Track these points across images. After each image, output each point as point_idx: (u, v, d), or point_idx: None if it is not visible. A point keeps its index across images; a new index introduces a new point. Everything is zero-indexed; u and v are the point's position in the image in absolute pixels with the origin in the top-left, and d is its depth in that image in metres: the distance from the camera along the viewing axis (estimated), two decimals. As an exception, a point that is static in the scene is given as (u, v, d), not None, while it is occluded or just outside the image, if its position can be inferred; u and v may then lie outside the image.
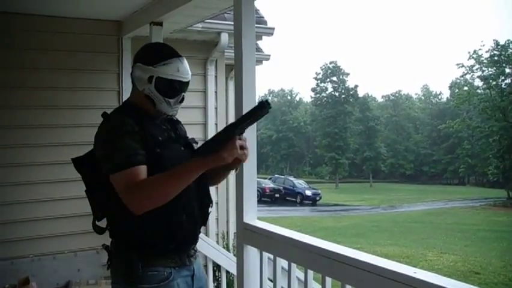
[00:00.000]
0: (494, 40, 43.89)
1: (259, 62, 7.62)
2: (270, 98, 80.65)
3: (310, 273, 2.48)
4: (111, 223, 2.20)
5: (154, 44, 2.31)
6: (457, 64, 47.36)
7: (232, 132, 1.95)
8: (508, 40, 44.02)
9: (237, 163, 2.09)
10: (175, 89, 2.17)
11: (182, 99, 2.24)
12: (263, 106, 1.90)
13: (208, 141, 2.01)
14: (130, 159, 1.98)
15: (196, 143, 2.35)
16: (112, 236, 2.23)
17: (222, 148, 1.93)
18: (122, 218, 2.10)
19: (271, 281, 2.88)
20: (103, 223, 2.24)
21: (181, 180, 1.97)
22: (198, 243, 2.32)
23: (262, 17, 6.33)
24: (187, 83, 2.21)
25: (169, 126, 2.28)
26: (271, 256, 2.77)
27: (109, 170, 2.00)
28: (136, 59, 2.23)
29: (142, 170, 1.99)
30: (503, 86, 43.38)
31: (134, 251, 2.09)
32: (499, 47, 43.56)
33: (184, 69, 2.17)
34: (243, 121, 1.95)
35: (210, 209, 2.31)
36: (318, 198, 36.84)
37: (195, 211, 2.19)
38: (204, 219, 2.29)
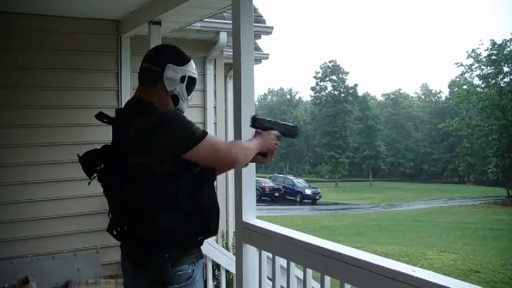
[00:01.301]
0: (490, 40, 43.78)
1: (258, 61, 7.61)
2: (269, 97, 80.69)
3: (310, 272, 2.48)
4: (136, 225, 2.19)
5: (172, 46, 2.36)
6: (456, 63, 47.51)
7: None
8: (505, 39, 44.07)
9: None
10: (194, 86, 2.34)
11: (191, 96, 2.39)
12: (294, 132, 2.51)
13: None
14: (204, 130, 2.14)
15: None
16: (134, 239, 2.20)
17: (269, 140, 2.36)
18: (154, 217, 2.11)
19: (270, 279, 2.88)
20: (98, 226, 2.23)
21: (254, 150, 2.30)
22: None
23: (261, 16, 6.33)
24: None
25: None
26: (271, 255, 2.77)
27: (196, 141, 2.06)
28: (162, 60, 2.22)
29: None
30: (502, 84, 43.33)
31: (163, 252, 2.10)
32: (496, 46, 43.52)
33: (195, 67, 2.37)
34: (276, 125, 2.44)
35: None
36: (317, 197, 36.84)
37: (215, 204, 2.24)
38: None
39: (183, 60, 2.26)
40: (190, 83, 2.28)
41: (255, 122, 2.41)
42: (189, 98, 2.32)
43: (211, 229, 2.20)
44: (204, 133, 2.09)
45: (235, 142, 2.33)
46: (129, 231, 2.22)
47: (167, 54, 2.28)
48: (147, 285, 2.14)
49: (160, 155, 2.05)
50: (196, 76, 2.32)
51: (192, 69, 2.29)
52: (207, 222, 2.16)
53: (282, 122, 2.47)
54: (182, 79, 2.23)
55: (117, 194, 2.16)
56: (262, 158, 2.38)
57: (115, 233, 2.22)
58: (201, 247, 2.30)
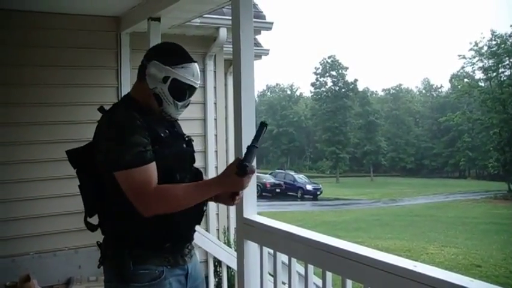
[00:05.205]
0: (492, 31, 43.99)
1: (258, 56, 7.60)
2: (268, 93, 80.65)
3: (311, 267, 2.48)
4: (103, 221, 2.17)
5: (172, 45, 2.26)
6: (459, 55, 47.52)
7: (253, 154, 2.04)
8: (506, 33, 44.19)
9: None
10: (186, 93, 2.18)
11: (188, 103, 2.25)
12: (265, 125, 2.07)
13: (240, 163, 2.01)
14: (141, 156, 1.96)
15: (192, 140, 2.35)
16: (103, 233, 2.20)
17: (245, 178, 2.01)
18: (116, 217, 2.09)
19: (271, 275, 2.88)
20: (94, 220, 2.21)
21: (197, 197, 2.04)
22: (198, 239, 2.31)
23: (261, 12, 6.32)
24: (196, 89, 2.22)
25: (168, 123, 2.24)
26: (272, 251, 2.77)
27: (117, 167, 1.95)
28: (151, 55, 2.18)
29: (152, 168, 1.98)
30: (503, 78, 43.35)
31: (126, 249, 2.06)
32: (498, 39, 43.60)
33: (197, 74, 2.20)
34: (258, 138, 2.06)
35: (204, 208, 2.26)
36: (319, 192, 36.85)
37: (191, 210, 2.11)
38: (198, 219, 2.26)
39: (173, 61, 2.13)
40: (176, 86, 2.12)
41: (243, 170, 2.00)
42: (179, 103, 2.16)
43: (174, 236, 2.11)
44: (129, 164, 1.93)
45: (161, 194, 1.98)
46: (99, 224, 2.20)
47: (158, 51, 2.23)
48: (113, 280, 2.11)
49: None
50: (188, 82, 2.14)
51: (183, 73, 2.12)
52: (168, 228, 2.08)
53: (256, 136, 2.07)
54: (164, 79, 2.11)
55: (87, 188, 2.15)
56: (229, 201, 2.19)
57: (87, 224, 2.21)
58: (185, 253, 2.22)
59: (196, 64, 2.20)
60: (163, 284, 2.09)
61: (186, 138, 2.31)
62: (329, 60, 62.27)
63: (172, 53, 2.20)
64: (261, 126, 2.06)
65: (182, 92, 2.16)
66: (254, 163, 2.05)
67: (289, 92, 79.09)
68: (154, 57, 2.15)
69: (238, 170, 1.98)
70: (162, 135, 2.10)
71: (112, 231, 2.15)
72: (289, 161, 70.37)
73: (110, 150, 1.99)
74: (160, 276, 2.08)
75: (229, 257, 4.24)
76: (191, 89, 2.19)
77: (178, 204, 2.00)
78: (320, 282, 2.44)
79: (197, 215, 2.22)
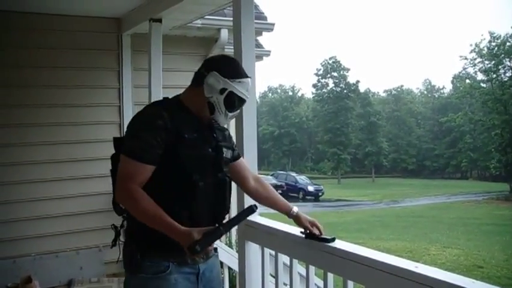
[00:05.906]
0: (490, 33, 43.97)
1: (259, 57, 7.57)
2: (270, 94, 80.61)
3: (312, 269, 2.48)
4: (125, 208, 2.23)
5: (231, 59, 2.40)
6: (460, 56, 47.49)
7: (221, 233, 2.05)
8: (507, 34, 44.19)
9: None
10: (239, 105, 2.28)
11: (236, 114, 2.35)
12: (251, 210, 2.10)
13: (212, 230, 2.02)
14: (140, 153, 2.07)
15: (233, 149, 2.43)
16: (127, 220, 2.28)
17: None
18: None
19: (273, 276, 2.88)
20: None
21: (156, 226, 2.03)
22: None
23: (262, 13, 6.31)
24: (245, 102, 2.32)
25: (206, 127, 2.29)
26: (273, 252, 2.77)
27: (122, 150, 2.12)
28: (211, 66, 2.25)
29: (146, 169, 2.06)
30: (504, 79, 43.32)
31: (135, 240, 2.17)
32: (497, 40, 43.62)
33: (249, 89, 2.30)
34: (235, 224, 2.13)
35: (225, 216, 2.28)
36: (320, 193, 36.83)
37: (203, 213, 2.15)
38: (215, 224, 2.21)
39: (232, 74, 2.22)
40: (231, 99, 2.21)
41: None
42: (230, 114, 2.25)
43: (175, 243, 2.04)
44: (130, 153, 2.07)
45: (136, 194, 2.04)
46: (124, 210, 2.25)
47: (218, 62, 2.30)
48: (127, 268, 2.23)
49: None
50: (242, 96, 2.24)
51: (240, 87, 2.21)
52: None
53: (235, 219, 2.12)
54: (222, 91, 2.18)
55: (115, 176, 2.19)
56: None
57: (115, 207, 2.27)
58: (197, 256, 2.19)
59: (249, 79, 2.30)
60: (168, 279, 2.14)
61: (220, 144, 2.31)
62: (330, 61, 62.26)
63: (232, 67, 2.29)
64: (247, 211, 2.11)
65: (235, 104, 2.25)
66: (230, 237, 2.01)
67: (291, 93, 79.07)
68: (214, 68, 2.22)
69: (189, 247, 1.94)
70: (186, 135, 2.14)
71: (130, 219, 2.21)
72: (291, 162, 70.34)
73: (125, 137, 2.19)
74: (165, 271, 2.14)
75: (230, 258, 4.24)
76: (242, 102, 2.29)
77: (139, 215, 2.06)
78: (321, 283, 2.44)
79: (212, 220, 2.17)
